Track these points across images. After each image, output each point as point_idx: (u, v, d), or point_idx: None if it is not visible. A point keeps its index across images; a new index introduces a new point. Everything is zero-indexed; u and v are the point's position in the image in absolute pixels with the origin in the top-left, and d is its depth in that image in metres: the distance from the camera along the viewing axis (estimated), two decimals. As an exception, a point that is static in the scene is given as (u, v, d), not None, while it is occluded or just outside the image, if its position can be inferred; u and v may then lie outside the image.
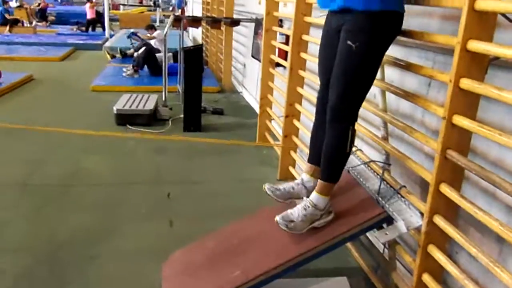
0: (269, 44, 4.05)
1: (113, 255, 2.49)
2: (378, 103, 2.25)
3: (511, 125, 1.57)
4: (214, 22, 6.17)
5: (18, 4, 15.72)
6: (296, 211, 1.95)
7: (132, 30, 8.79)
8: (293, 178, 3.36)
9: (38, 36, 12.51)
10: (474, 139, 1.64)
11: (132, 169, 3.76)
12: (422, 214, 1.76)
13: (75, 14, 16.69)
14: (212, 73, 7.77)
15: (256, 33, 5.31)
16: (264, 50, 4.09)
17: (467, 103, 1.56)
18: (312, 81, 3.15)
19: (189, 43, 10.03)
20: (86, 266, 2.38)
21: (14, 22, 13.64)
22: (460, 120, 1.55)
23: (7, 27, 13.12)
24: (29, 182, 3.38)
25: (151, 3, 21.68)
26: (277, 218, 1.93)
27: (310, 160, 2.15)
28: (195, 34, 12.40)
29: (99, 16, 14.26)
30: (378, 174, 2.11)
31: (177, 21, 5.72)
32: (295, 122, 3.47)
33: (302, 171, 2.31)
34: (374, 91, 2.40)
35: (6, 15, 13.67)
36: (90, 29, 14.08)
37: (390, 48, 1.91)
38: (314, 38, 3.03)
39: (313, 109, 2.15)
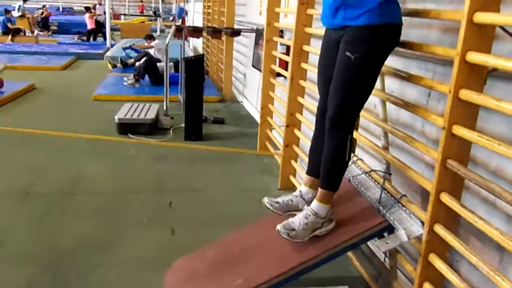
0: (270, 54, 4.09)
1: (115, 264, 2.50)
2: (378, 113, 2.28)
3: (510, 135, 1.60)
4: (215, 33, 6.23)
5: (20, 13, 15.84)
6: (297, 220, 1.96)
7: (127, 45, 9.03)
8: (293, 187, 3.38)
9: (39, 46, 12.58)
10: (474, 149, 1.66)
11: (133, 177, 3.78)
12: (422, 223, 1.78)
13: (76, 23, 16.79)
14: (213, 83, 7.82)
15: (256, 43, 5.36)
16: (265, 60, 4.14)
17: (467, 113, 1.59)
18: (312, 91, 3.18)
19: (189, 52, 10.10)
20: (88, 274, 2.39)
21: (16, 32, 13.73)
22: (460, 130, 1.57)
23: (9, 36, 13.21)
24: (31, 190, 3.39)
25: (151, 13, 21.87)
26: (279, 226, 1.95)
27: (308, 172, 2.18)
28: (195, 44, 12.49)
29: (99, 26, 14.38)
30: (379, 184, 2.13)
31: (179, 31, 5.76)
32: (296, 131, 3.49)
33: (302, 180, 2.33)
34: (374, 101, 2.44)
35: (9, 24, 13.77)
36: (91, 38, 14.18)
37: (390, 59, 1.95)
38: (315, 49, 3.07)
39: (314, 119, 2.18)
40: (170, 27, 16.26)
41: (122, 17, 21.21)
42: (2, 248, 2.62)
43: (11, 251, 2.59)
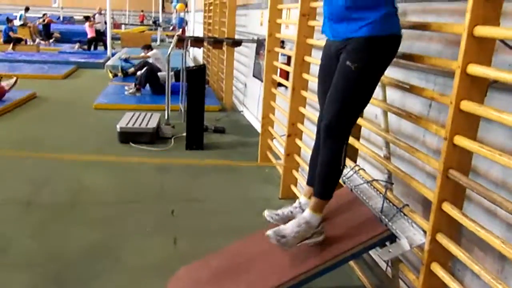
0: (271, 65, 4.13)
1: (118, 272, 2.50)
2: (380, 123, 2.31)
3: (510, 145, 1.63)
4: (217, 43, 6.29)
5: (22, 22, 15.94)
6: (290, 227, 1.96)
7: (123, 57, 9.23)
8: (294, 196, 3.40)
9: (41, 54, 12.66)
10: (475, 159, 1.68)
11: (135, 186, 3.79)
12: (425, 232, 1.79)
13: (77, 32, 16.90)
14: (213, 92, 7.86)
15: (257, 53, 5.41)
16: (266, 70, 4.18)
17: (468, 124, 1.62)
18: (313, 101, 3.21)
19: (190, 62, 10.16)
20: (91, 283, 2.39)
21: (18, 41, 13.82)
22: (461, 141, 1.60)
23: (11, 45, 13.29)
24: (33, 200, 3.39)
25: (152, 23, 22.04)
26: (269, 232, 1.92)
27: (309, 183, 2.21)
28: (195, 54, 12.57)
29: (99, 35, 14.48)
30: (381, 193, 2.15)
31: (181, 42, 5.82)
32: (297, 141, 3.52)
33: (303, 189, 2.35)
34: (375, 111, 2.47)
35: (10, 33, 13.86)
36: (92, 47, 14.28)
37: (391, 70, 1.98)
38: (316, 59, 3.10)
39: (315, 128, 2.21)
40: (171, 36, 16.41)
41: (123, 26, 21.33)
42: (5, 256, 2.62)
43: (15, 260, 2.60)
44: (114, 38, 14.43)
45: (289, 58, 3.98)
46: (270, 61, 4.13)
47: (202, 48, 9.76)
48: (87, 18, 14.71)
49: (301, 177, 3.48)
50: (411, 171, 2.13)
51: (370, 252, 2.30)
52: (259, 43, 5.34)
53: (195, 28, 13.03)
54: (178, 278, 2.29)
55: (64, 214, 3.21)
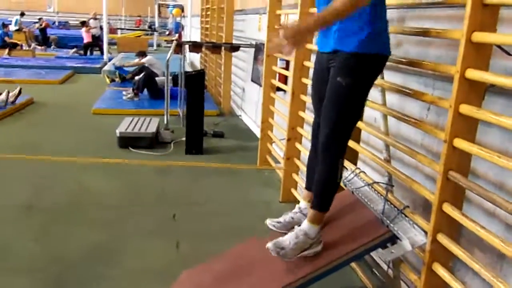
0: (270, 69, 4.18)
1: (120, 276, 2.52)
2: (379, 127, 2.35)
3: (507, 147, 1.68)
4: (215, 48, 6.33)
5: (17, 27, 15.92)
6: (288, 239, 2.00)
7: (118, 64, 9.32)
8: (295, 199, 3.43)
9: (37, 60, 12.63)
10: (474, 161, 1.73)
11: (136, 190, 3.81)
12: (426, 232, 1.84)
13: (73, 38, 16.91)
14: (211, 97, 7.89)
15: (256, 58, 5.46)
16: (265, 75, 4.22)
17: (467, 127, 1.66)
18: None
19: (187, 67, 10.19)
20: (93, 286, 2.41)
21: (13, 46, 13.80)
22: (461, 143, 1.64)
23: (6, 50, 13.27)
24: (34, 204, 3.41)
25: (147, 27, 22.06)
26: (269, 244, 1.97)
27: (307, 187, 2.25)
28: (193, 59, 12.60)
29: (95, 40, 14.49)
30: (381, 195, 2.19)
31: (179, 47, 5.86)
32: (297, 144, 3.56)
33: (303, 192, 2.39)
34: (374, 115, 2.52)
35: (6, 38, 13.84)
36: (88, 52, 14.29)
37: (391, 74, 2.03)
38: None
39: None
40: (168, 41, 16.44)
41: (119, 31, 21.34)
42: (7, 259, 2.64)
43: (16, 263, 2.61)
44: (110, 43, 14.44)
45: (287, 63, 4.03)
46: (269, 66, 4.17)
47: (199, 53, 9.81)
48: (83, 23, 14.74)
49: (301, 180, 3.52)
50: (411, 173, 2.17)
51: (372, 253, 2.33)
52: (258, 48, 5.39)
53: (191, 33, 13.07)
54: (181, 283, 2.30)
55: (65, 217, 3.23)
